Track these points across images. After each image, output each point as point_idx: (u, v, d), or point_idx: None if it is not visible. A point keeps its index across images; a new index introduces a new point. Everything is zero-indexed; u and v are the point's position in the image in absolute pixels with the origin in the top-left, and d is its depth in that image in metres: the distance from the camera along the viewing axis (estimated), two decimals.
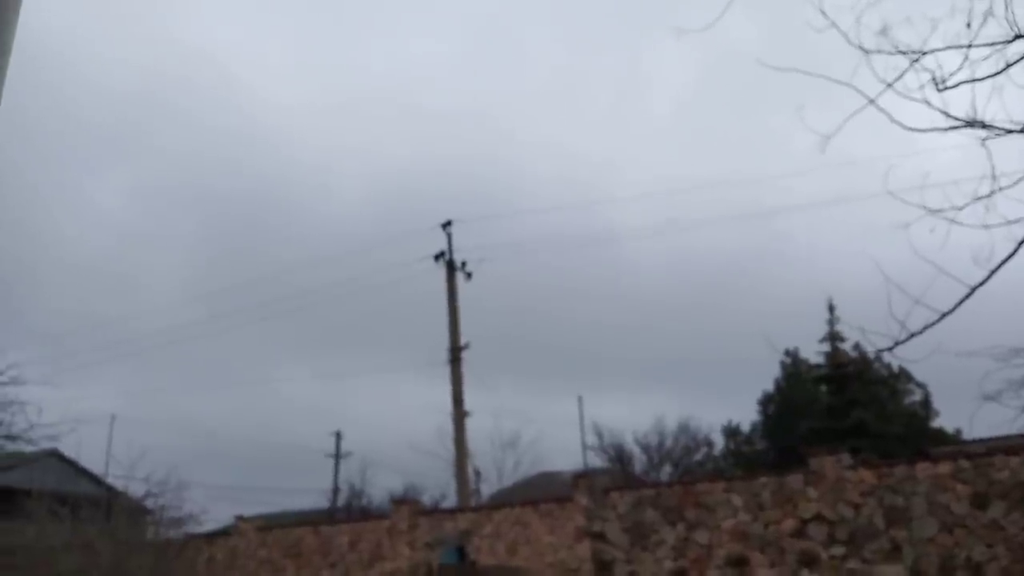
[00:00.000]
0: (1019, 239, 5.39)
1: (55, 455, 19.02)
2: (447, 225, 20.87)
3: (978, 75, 5.40)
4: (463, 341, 20.13)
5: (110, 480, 16.44)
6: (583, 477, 14.63)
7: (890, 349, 5.19)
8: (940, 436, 25.86)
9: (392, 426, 47.53)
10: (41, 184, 52.64)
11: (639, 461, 30.29)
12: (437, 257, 20.89)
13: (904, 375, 29.09)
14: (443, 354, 20.09)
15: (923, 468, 11.97)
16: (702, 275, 45.84)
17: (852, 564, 11.82)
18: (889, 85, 5.47)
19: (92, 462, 18.99)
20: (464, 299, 20.38)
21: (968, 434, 16.32)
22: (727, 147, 49.47)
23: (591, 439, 29.27)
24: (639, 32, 61.48)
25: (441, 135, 56.72)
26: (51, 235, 52.21)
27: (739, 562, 12.60)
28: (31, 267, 49.49)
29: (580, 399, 15.35)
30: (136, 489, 15.19)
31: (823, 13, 5.43)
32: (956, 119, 5.44)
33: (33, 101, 51.79)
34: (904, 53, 5.42)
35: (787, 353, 30.57)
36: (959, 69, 5.39)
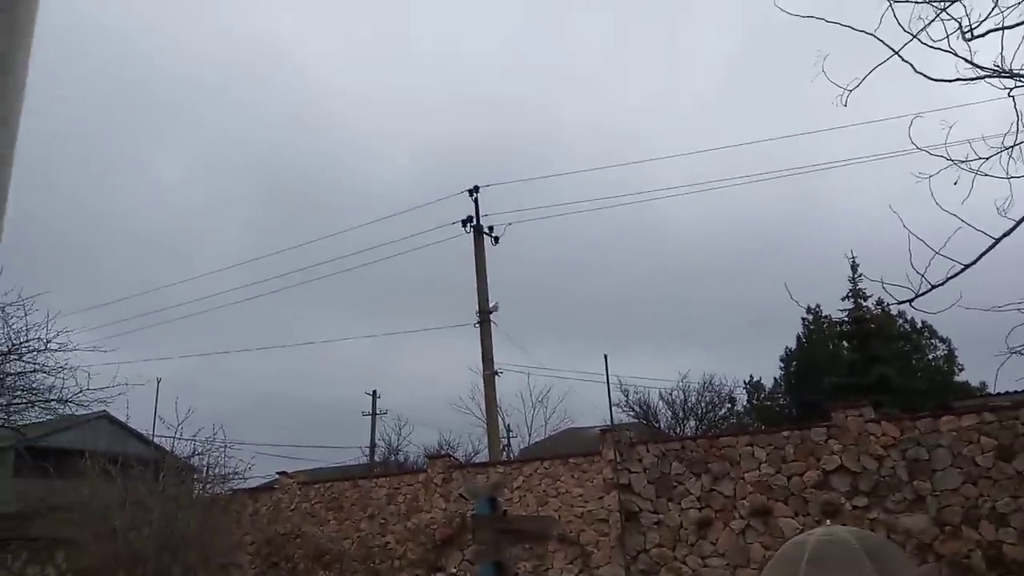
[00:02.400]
0: None
1: (105, 417, 19.78)
2: (474, 191, 21.18)
3: (1008, 23, 5.15)
4: (492, 303, 20.51)
5: (157, 440, 17.11)
6: (610, 431, 15.01)
7: (910, 301, 5.20)
8: (965, 390, 25.87)
9: (429, 384, 48.62)
10: (109, 159, 54.07)
11: (664, 417, 30.69)
12: (465, 222, 21.21)
13: (927, 330, 29.04)
14: (474, 316, 20.51)
15: (946, 421, 12.08)
16: (732, 237, 45.78)
17: (875, 514, 12.07)
18: (914, 36, 5.25)
19: (141, 423, 19.75)
20: (497, 261, 20.79)
21: (993, 388, 16.39)
22: (764, 112, 48.85)
23: (617, 396, 29.65)
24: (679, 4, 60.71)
25: (486, 106, 56.96)
26: (112, 207, 53.73)
27: (763, 512, 12.95)
28: (91, 238, 50.98)
29: (606, 357, 15.84)
30: (183, 448, 15.87)
31: None
32: (982, 68, 5.23)
33: (104, 84, 53.08)
34: (930, 2, 5.20)
35: (809, 310, 30.61)
36: (987, 17, 5.16)
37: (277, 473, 18.50)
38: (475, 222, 21.25)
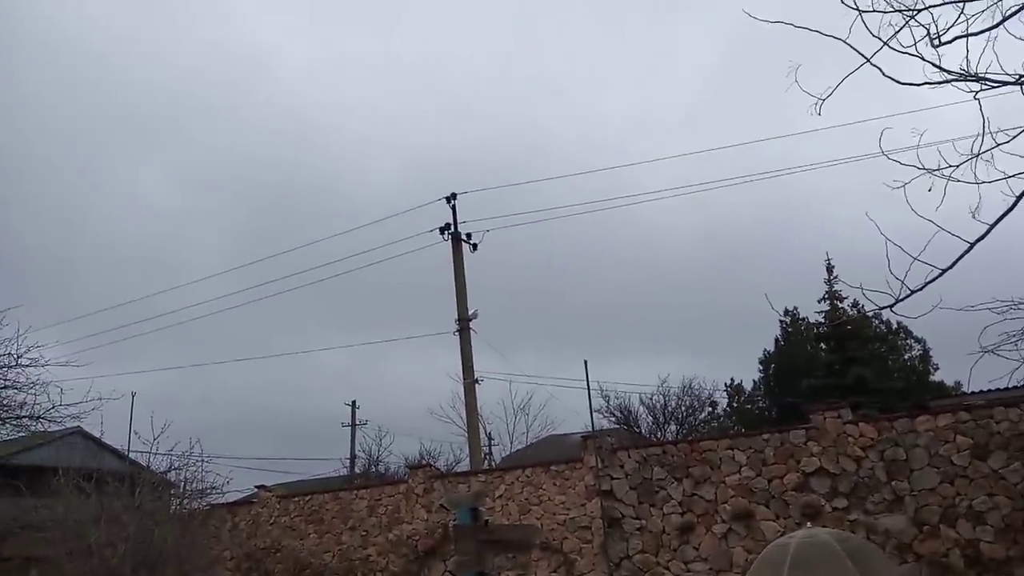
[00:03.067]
0: (1018, 193, 5.48)
1: (79, 433, 19.42)
2: (452, 198, 21.12)
3: (973, 30, 5.32)
4: (471, 310, 20.44)
5: (133, 455, 16.83)
6: (591, 438, 15.00)
7: (891, 307, 5.28)
8: (940, 390, 26.24)
9: (410, 394, 48.47)
10: (88, 173, 53.38)
11: (645, 421, 30.79)
12: (443, 230, 21.14)
13: (903, 331, 29.44)
14: (453, 324, 20.44)
15: (923, 421, 12.17)
16: (712, 243, 46.18)
17: (855, 516, 12.13)
18: (885, 43, 5.40)
19: (116, 438, 19.41)
20: (479, 268, 20.71)
21: (967, 387, 16.61)
22: (746, 119, 49.36)
23: (598, 402, 29.71)
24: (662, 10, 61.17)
25: (472, 116, 56.92)
26: (91, 220, 53.08)
27: (744, 516, 12.98)
28: (70, 252, 50.28)
29: (586, 363, 15.85)
30: (159, 463, 15.60)
31: None
32: (950, 72, 5.37)
33: (83, 98, 52.40)
34: (899, 11, 5.34)
35: (786, 313, 30.90)
36: (954, 24, 5.32)
37: (256, 487, 18.29)
38: (453, 229, 21.20)
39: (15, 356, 15.62)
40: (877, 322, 29.06)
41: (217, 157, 58.01)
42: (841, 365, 25.71)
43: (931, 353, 29.35)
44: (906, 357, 29.81)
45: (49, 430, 17.00)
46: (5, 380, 15.80)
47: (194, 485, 15.16)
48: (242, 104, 60.04)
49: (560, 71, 58.56)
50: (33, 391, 15.76)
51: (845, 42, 5.51)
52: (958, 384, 25.86)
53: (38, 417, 16.04)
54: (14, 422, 16.34)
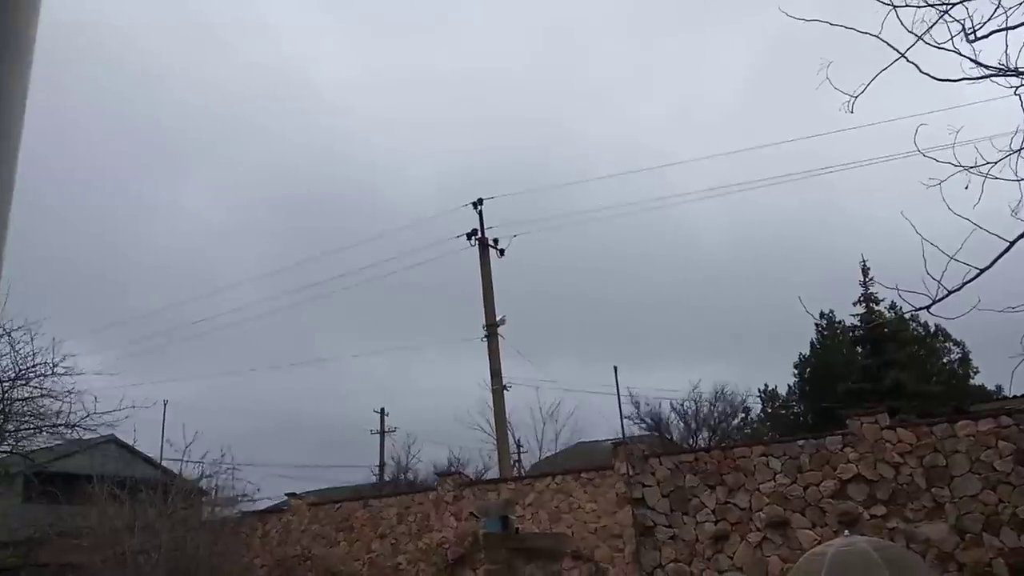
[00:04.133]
0: None
1: (113, 441, 19.75)
2: (478, 204, 21.14)
3: (1012, 23, 5.15)
4: (499, 316, 20.40)
5: (165, 463, 17.04)
6: (622, 445, 14.83)
7: (928, 308, 5.15)
8: (980, 394, 25.60)
9: (439, 400, 48.66)
10: (128, 190, 54.90)
11: (676, 428, 30.42)
12: (470, 236, 21.15)
13: (941, 334, 28.78)
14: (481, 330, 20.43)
15: (963, 426, 11.91)
16: (746, 246, 45.71)
17: (894, 523, 11.87)
18: (919, 38, 5.24)
19: (150, 447, 19.73)
20: (509, 274, 20.73)
21: (1009, 391, 16.14)
22: (783, 121, 48.86)
23: (628, 409, 29.44)
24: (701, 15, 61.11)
25: (507, 123, 57.53)
26: (133, 235, 54.52)
27: (780, 524, 12.74)
28: (115, 266, 51.65)
29: (615, 369, 15.65)
30: (191, 471, 15.78)
31: None
32: (987, 67, 5.24)
33: (131, 121, 54.04)
34: (934, 4, 5.21)
35: (822, 316, 30.37)
36: (991, 17, 5.16)
37: (286, 494, 18.38)
38: (480, 235, 21.19)
39: (51, 365, 15.91)
40: (915, 325, 28.45)
41: (257, 173, 59.17)
42: (878, 369, 25.21)
43: (971, 356, 28.67)
44: (945, 360, 29.14)
45: (84, 438, 17.30)
46: (42, 389, 16.09)
47: (225, 493, 15.29)
48: (283, 120, 61.21)
49: (595, 77, 58.53)
50: (69, 400, 16.05)
51: (879, 37, 5.40)
52: (999, 388, 25.20)
53: (73, 425, 16.32)
54: (50, 430, 16.63)
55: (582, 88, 58.42)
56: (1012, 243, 5.30)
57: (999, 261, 5.39)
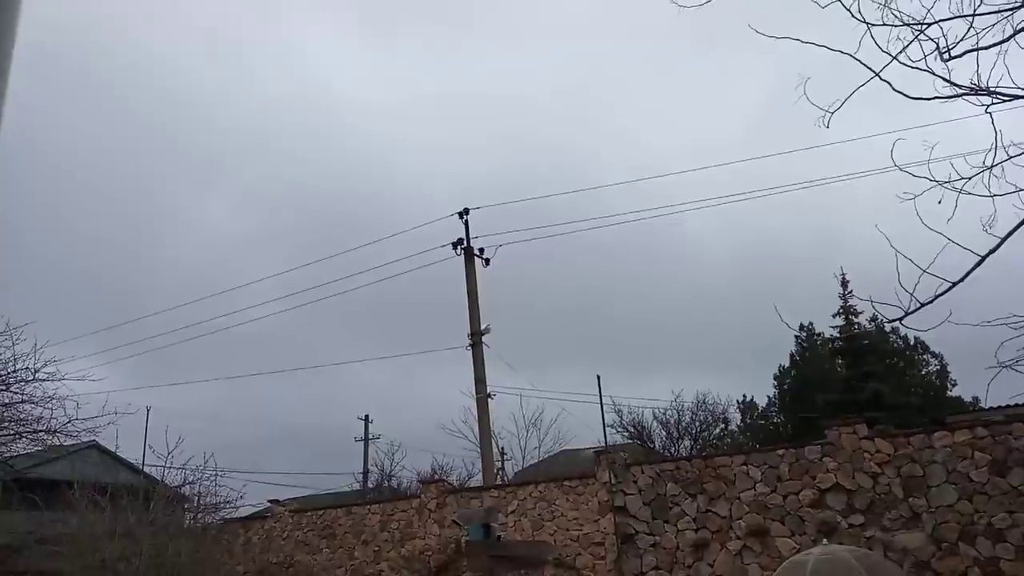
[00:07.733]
0: None
1: (95, 447, 19.57)
2: (464, 214, 21.27)
3: (983, 44, 5.30)
4: (484, 325, 20.47)
5: (148, 470, 16.91)
6: (604, 453, 14.93)
7: (900, 320, 5.27)
8: (958, 405, 25.92)
9: (422, 408, 48.62)
10: (153, 202, 55.13)
11: (658, 437, 30.57)
12: (455, 245, 21.26)
13: (920, 346, 29.14)
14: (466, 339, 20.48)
15: (940, 437, 12.01)
16: (727, 257, 46.12)
17: (872, 532, 11.99)
18: (894, 57, 5.38)
19: (132, 453, 19.56)
20: (495, 284, 20.78)
21: (985, 403, 16.41)
22: (787, 146, 49.45)
23: (611, 417, 29.54)
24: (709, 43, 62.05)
25: (524, 146, 58.13)
26: (154, 246, 54.60)
27: (760, 532, 12.86)
28: (132, 277, 51.64)
29: (598, 378, 15.75)
30: (174, 477, 15.67)
31: None
32: (960, 86, 5.35)
33: (152, 139, 54.19)
34: (908, 24, 5.32)
35: (801, 328, 30.66)
36: (964, 38, 5.29)
37: (269, 501, 18.31)
38: (465, 244, 21.30)
39: (32, 370, 15.78)
40: (894, 337, 28.79)
41: (278, 189, 59.65)
42: (857, 380, 25.48)
43: (948, 368, 29.03)
44: (923, 372, 29.49)
45: (65, 444, 17.14)
46: (22, 394, 15.95)
47: (207, 499, 15.21)
48: (308, 140, 61.75)
49: (611, 103, 59.54)
50: (50, 405, 15.91)
51: (853, 56, 5.53)
52: (976, 400, 25.56)
53: (54, 431, 16.17)
54: (30, 436, 16.47)
55: (597, 113, 59.11)
56: (984, 257, 5.42)
57: (972, 275, 5.53)
